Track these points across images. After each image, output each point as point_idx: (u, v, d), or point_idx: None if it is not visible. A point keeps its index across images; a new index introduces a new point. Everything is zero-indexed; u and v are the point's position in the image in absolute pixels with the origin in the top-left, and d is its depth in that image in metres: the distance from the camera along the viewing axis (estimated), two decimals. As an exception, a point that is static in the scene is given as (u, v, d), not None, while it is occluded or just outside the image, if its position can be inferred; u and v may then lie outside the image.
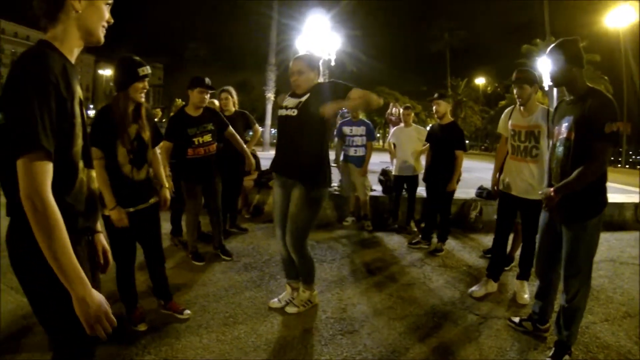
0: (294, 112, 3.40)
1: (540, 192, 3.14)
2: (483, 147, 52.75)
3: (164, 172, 3.61)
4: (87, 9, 1.62)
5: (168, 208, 3.74)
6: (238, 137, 4.93)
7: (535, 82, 3.97)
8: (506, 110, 4.31)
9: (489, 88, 50.85)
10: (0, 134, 1.47)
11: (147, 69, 3.13)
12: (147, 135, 3.24)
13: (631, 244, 6.61)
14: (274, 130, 20.53)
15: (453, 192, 5.68)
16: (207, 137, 4.68)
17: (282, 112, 3.52)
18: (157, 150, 3.52)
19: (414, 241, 5.95)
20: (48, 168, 1.43)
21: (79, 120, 1.60)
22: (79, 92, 1.61)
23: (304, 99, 3.40)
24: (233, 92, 5.86)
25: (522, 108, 4.01)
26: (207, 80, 4.57)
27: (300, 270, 3.77)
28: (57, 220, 1.42)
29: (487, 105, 49.54)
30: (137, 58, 3.13)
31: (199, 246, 5.01)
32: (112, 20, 1.73)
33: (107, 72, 72.46)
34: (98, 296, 1.51)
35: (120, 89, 3.09)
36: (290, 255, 3.72)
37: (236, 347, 3.13)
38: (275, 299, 3.87)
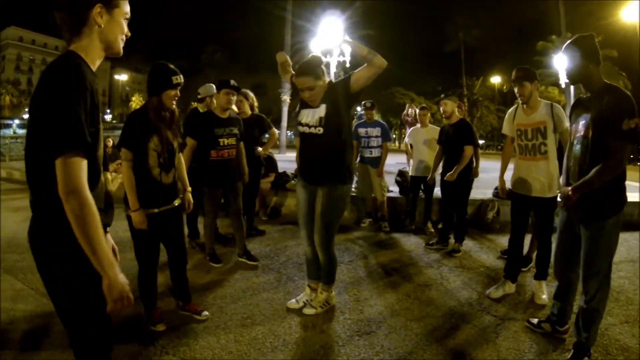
0: (320, 131, 3.43)
1: (558, 191, 3.11)
2: (499, 147, 52.11)
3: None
4: (108, 24, 1.73)
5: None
6: (244, 152, 5.04)
7: (535, 79, 3.97)
8: (509, 111, 4.30)
9: (504, 87, 50.22)
10: (29, 135, 1.62)
11: (181, 78, 3.24)
12: (177, 141, 3.37)
13: (654, 245, 6.46)
14: (289, 133, 20.56)
15: (468, 192, 5.66)
16: (232, 141, 4.71)
17: (304, 129, 3.53)
18: (180, 155, 3.60)
19: (430, 242, 5.93)
20: (85, 165, 1.56)
21: (101, 125, 1.72)
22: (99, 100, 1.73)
23: (323, 113, 3.42)
24: (249, 94, 5.89)
25: (524, 106, 4.01)
26: (232, 82, 4.63)
27: (323, 269, 3.78)
28: (95, 213, 1.56)
29: (503, 104, 48.95)
30: (171, 66, 3.24)
31: (215, 248, 5.04)
32: (129, 34, 1.85)
33: (123, 77, 73.50)
34: (124, 279, 1.66)
35: (154, 94, 3.20)
36: (315, 256, 3.76)
37: (254, 348, 3.16)
38: (293, 300, 3.90)
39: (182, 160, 3.59)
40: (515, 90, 4.01)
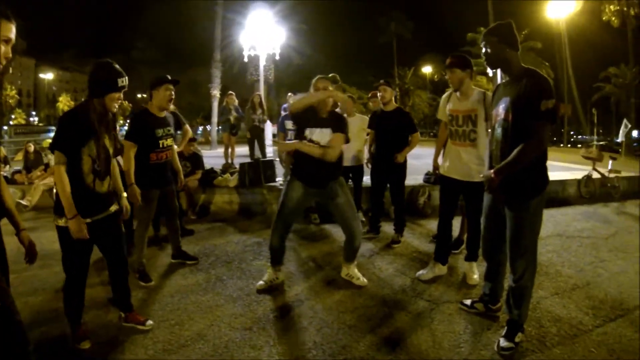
0: None
1: (481, 175, 3.13)
2: (432, 134, 53.56)
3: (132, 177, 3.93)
4: None
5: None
6: (175, 151, 4.71)
7: (468, 66, 3.93)
8: (444, 96, 4.27)
9: (435, 76, 51.72)
10: None
11: (126, 80, 2.99)
12: (112, 147, 3.10)
13: (576, 218, 6.82)
14: (219, 128, 19.88)
15: (403, 179, 5.60)
16: (170, 141, 4.39)
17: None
18: (115, 160, 3.32)
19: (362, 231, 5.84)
20: None
21: None
22: None
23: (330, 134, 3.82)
24: None
25: (458, 93, 4.00)
26: (169, 76, 4.33)
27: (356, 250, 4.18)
28: None
29: (435, 93, 50.36)
30: (117, 66, 2.98)
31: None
32: (9, 55, 1.98)
33: (48, 75, 69.38)
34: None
35: (97, 95, 2.91)
36: (282, 245, 4.05)
37: (183, 356, 2.97)
38: (261, 282, 4.08)
39: (116, 165, 3.30)
40: (447, 76, 3.99)
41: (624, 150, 18.86)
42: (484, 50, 3.03)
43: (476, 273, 4.17)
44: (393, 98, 5.55)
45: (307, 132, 3.81)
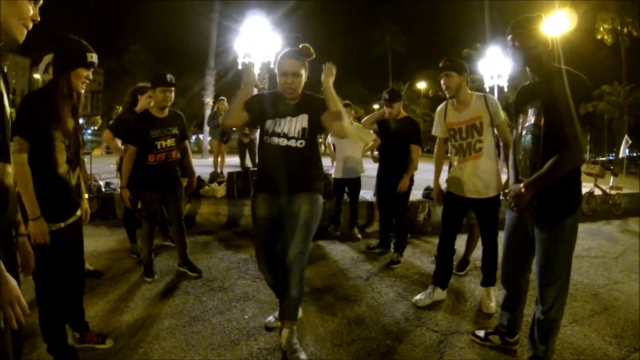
0: (302, 144, 2.98)
1: (507, 191, 2.77)
2: (425, 150, 53.71)
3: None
4: (4, 4, 1.48)
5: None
6: (190, 152, 4.75)
7: (464, 70, 3.61)
8: (438, 110, 3.91)
9: (430, 92, 51.81)
10: None
11: (96, 57, 2.61)
12: (80, 134, 2.72)
13: (581, 236, 6.33)
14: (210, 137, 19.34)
15: (408, 194, 5.20)
16: (170, 142, 4.31)
17: (280, 141, 2.98)
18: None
19: (371, 246, 5.52)
20: None
21: None
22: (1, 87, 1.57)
23: (306, 124, 3.00)
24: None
25: (455, 102, 3.67)
26: (169, 77, 4.18)
27: (291, 300, 2.98)
28: None
29: (429, 109, 50.49)
30: (85, 42, 2.60)
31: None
32: (38, 18, 1.63)
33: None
34: (12, 281, 1.45)
35: (61, 71, 2.51)
36: (275, 279, 3.18)
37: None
38: (271, 318, 3.37)
39: (82, 158, 2.96)
40: (442, 82, 3.64)
41: (624, 166, 18.69)
42: (511, 44, 2.64)
43: (493, 301, 3.77)
44: (401, 108, 5.18)
45: (271, 123, 3.02)
